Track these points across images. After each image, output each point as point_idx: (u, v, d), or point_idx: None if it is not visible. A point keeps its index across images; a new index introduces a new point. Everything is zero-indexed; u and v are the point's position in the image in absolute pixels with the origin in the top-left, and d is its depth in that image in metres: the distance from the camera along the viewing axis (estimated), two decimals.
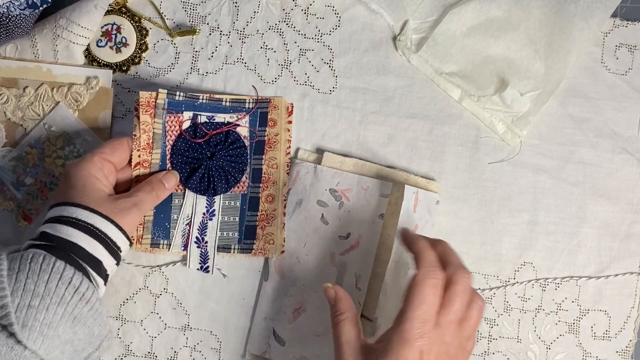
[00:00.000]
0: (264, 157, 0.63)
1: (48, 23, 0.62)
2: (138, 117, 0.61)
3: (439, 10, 0.64)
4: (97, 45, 0.63)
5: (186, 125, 0.62)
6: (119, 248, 0.54)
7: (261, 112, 0.63)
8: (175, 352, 0.64)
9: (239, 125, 0.62)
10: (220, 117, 0.62)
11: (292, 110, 0.64)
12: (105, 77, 0.63)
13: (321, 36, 0.64)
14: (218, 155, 0.61)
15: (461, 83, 0.63)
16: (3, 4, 0.56)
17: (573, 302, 0.64)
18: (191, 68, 0.64)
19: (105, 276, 0.53)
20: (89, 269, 0.51)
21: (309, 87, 0.64)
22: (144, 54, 0.64)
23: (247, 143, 0.63)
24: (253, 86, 0.64)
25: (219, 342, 0.64)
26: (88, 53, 0.63)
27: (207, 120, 0.62)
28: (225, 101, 0.63)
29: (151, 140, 0.61)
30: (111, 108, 0.63)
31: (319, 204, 0.63)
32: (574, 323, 0.65)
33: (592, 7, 0.61)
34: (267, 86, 0.64)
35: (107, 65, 0.64)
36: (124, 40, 0.64)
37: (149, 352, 0.64)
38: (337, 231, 0.63)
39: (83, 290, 0.49)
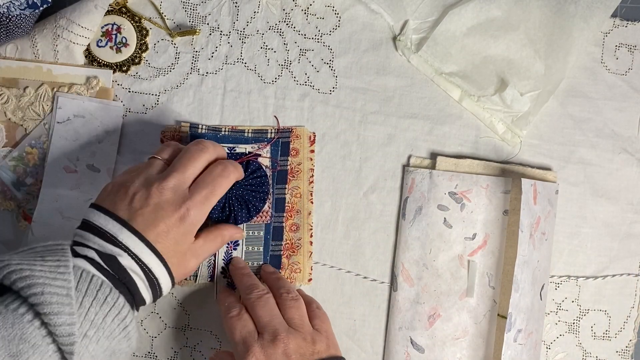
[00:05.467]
0: (287, 186, 0.63)
1: (48, 23, 0.62)
2: None
3: (439, 10, 0.64)
4: (97, 45, 0.63)
5: None
6: (160, 296, 0.54)
7: (283, 141, 0.63)
8: (175, 352, 0.64)
9: (260, 155, 0.63)
10: (241, 148, 0.63)
11: (314, 140, 0.64)
12: (105, 77, 0.63)
13: (321, 36, 0.64)
14: (238, 184, 0.61)
15: (461, 83, 0.64)
16: (3, 4, 0.56)
17: (573, 302, 0.64)
18: (191, 68, 0.64)
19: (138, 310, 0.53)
20: (134, 307, 0.51)
21: (309, 87, 0.64)
22: (144, 54, 0.64)
23: (269, 173, 0.63)
24: (275, 116, 0.64)
25: (219, 342, 0.64)
26: (88, 53, 0.63)
27: (229, 152, 0.62)
28: (247, 132, 0.63)
29: None
30: None
31: (439, 209, 0.63)
32: (574, 323, 0.65)
33: (592, 7, 0.61)
34: (267, 86, 0.64)
35: (107, 65, 0.64)
36: (124, 40, 0.64)
37: (149, 352, 0.64)
38: (462, 233, 0.62)
39: (130, 328, 0.49)
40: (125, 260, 0.50)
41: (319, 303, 0.61)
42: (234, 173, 0.57)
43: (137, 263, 0.50)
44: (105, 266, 0.49)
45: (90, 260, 0.49)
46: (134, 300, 0.50)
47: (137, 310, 0.52)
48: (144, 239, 0.50)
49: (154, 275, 0.51)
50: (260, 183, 0.61)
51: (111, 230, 0.50)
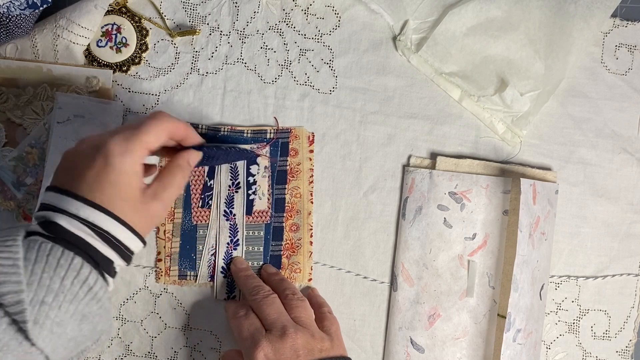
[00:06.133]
0: (286, 186, 0.63)
1: (48, 23, 0.62)
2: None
3: (439, 10, 0.64)
4: (97, 45, 0.63)
5: None
6: (132, 252, 0.51)
7: (282, 142, 0.64)
8: (175, 352, 0.64)
9: (259, 155, 0.63)
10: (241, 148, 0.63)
11: (313, 140, 0.64)
12: (105, 77, 0.63)
13: (321, 36, 0.64)
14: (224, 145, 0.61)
15: (461, 83, 0.64)
16: (3, 4, 0.56)
17: (573, 302, 0.64)
18: (191, 68, 0.64)
19: (114, 273, 0.51)
20: (100, 267, 0.49)
21: (309, 87, 0.64)
22: (144, 54, 0.64)
23: (267, 173, 0.63)
24: (275, 117, 0.64)
25: (219, 342, 0.64)
26: (88, 53, 0.63)
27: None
28: (247, 132, 0.63)
29: None
30: None
31: (439, 209, 0.63)
32: (574, 323, 0.65)
33: (592, 7, 0.61)
34: (267, 86, 0.64)
35: (107, 65, 0.64)
36: (124, 40, 0.64)
37: (149, 352, 0.64)
38: (462, 233, 0.63)
39: (96, 289, 0.47)
40: (65, 221, 0.47)
41: (330, 307, 0.62)
42: (169, 126, 0.52)
43: (79, 221, 0.48)
44: (48, 233, 0.47)
45: (38, 233, 0.47)
46: (96, 261, 0.48)
47: (111, 274, 0.50)
48: (75, 195, 0.48)
49: (102, 230, 0.48)
50: (240, 151, 0.61)
51: (48, 200, 0.49)
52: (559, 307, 0.64)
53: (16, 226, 0.48)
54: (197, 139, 0.55)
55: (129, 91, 0.64)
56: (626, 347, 0.65)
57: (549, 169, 0.64)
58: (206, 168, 0.63)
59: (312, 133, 0.64)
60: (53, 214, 0.48)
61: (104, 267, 0.49)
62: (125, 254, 0.50)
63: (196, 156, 0.55)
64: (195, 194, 0.63)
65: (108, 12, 0.63)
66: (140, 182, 0.50)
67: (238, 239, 0.63)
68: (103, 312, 0.48)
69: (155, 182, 0.52)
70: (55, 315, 0.45)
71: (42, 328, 0.44)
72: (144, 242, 0.51)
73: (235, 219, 0.63)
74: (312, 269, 0.64)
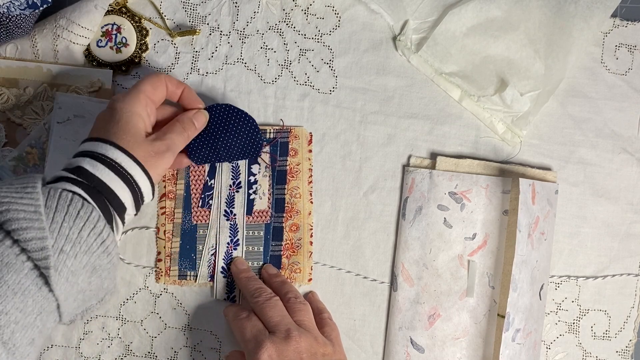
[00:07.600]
0: (286, 186, 0.63)
1: (48, 23, 0.62)
2: None
3: (439, 10, 0.64)
4: (97, 45, 0.63)
5: None
6: (143, 200, 0.53)
7: (282, 141, 0.63)
8: (175, 352, 0.64)
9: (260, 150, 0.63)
10: None
11: (311, 140, 0.64)
12: (105, 77, 0.63)
13: (321, 36, 0.64)
14: (229, 132, 0.61)
15: (461, 83, 0.64)
16: (3, 4, 0.56)
17: (573, 302, 0.64)
18: (191, 68, 0.64)
19: (123, 224, 0.53)
20: (115, 216, 0.51)
21: (309, 87, 0.64)
22: (144, 54, 0.64)
23: (268, 173, 0.63)
24: (281, 119, 0.64)
25: (219, 342, 0.64)
26: (88, 53, 0.63)
27: None
28: None
29: (176, 172, 0.63)
30: None
31: (439, 209, 0.63)
32: (573, 323, 0.65)
33: (592, 7, 0.61)
34: (267, 86, 0.64)
35: (107, 65, 0.64)
36: (124, 41, 0.64)
37: (149, 352, 0.64)
38: (462, 233, 0.63)
39: (108, 243, 0.49)
40: (88, 165, 0.50)
41: (330, 314, 0.62)
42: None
43: (100, 162, 0.50)
44: (74, 176, 0.49)
45: (61, 179, 0.49)
46: (112, 206, 0.50)
47: (122, 220, 0.51)
48: (96, 138, 0.52)
49: (126, 171, 0.51)
50: (250, 138, 0.61)
51: (77, 150, 0.52)
52: (559, 307, 0.64)
53: (32, 174, 0.50)
54: (198, 103, 0.59)
55: None
56: (626, 347, 0.65)
57: (549, 169, 0.64)
58: (207, 167, 0.63)
59: (310, 133, 0.64)
60: (77, 159, 0.50)
61: (119, 215, 0.51)
62: (138, 200, 0.52)
63: (200, 116, 0.58)
64: (195, 194, 0.63)
65: (108, 12, 0.63)
66: (144, 124, 0.54)
67: (238, 239, 0.63)
68: (111, 267, 0.50)
69: (157, 132, 0.56)
70: (72, 264, 0.46)
71: (60, 275, 0.45)
72: (153, 191, 0.54)
73: (235, 218, 0.63)
74: (312, 269, 0.64)
